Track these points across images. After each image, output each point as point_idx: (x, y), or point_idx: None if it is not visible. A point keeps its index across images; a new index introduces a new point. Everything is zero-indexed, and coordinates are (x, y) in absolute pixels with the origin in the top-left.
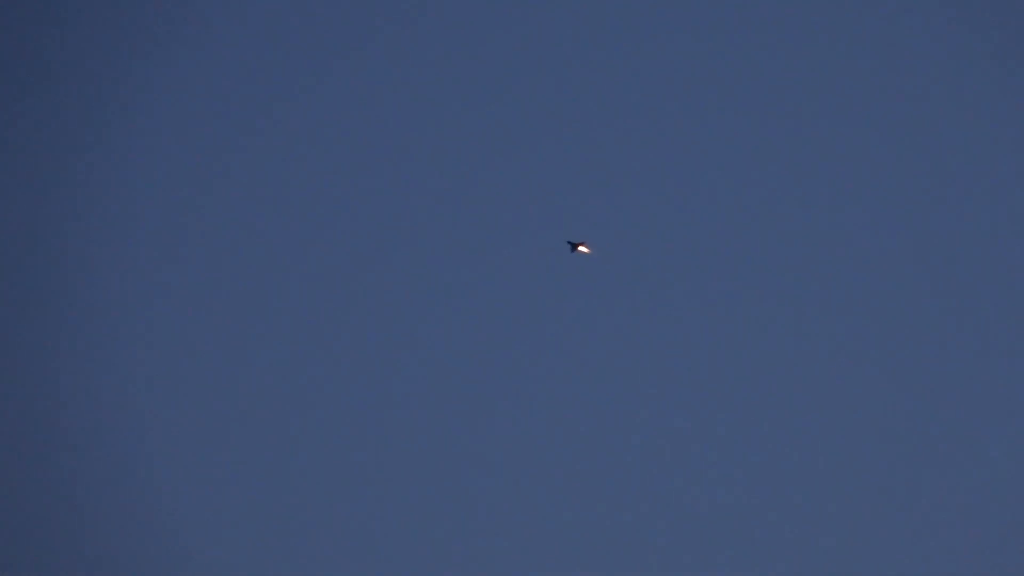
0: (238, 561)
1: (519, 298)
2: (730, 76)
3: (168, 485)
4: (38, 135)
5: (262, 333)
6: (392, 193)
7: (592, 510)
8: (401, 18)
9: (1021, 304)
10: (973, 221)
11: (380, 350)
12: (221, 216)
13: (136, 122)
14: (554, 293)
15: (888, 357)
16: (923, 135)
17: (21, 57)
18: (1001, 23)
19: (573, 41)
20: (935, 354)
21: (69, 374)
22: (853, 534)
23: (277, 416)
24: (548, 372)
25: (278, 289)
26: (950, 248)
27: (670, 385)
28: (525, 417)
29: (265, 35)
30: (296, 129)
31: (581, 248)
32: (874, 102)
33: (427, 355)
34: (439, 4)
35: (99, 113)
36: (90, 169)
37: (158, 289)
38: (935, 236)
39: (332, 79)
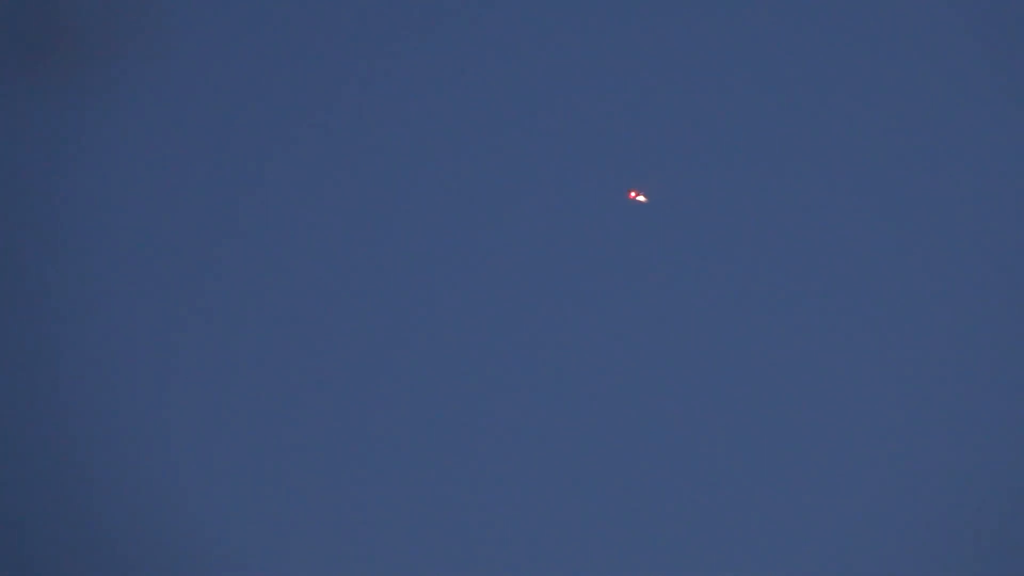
0: (235, 562)
1: (519, 296)
2: (734, 75)
3: (169, 483)
4: (31, 135)
5: (264, 330)
6: (385, 190)
7: (590, 510)
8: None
9: (1021, 304)
10: (973, 221)
11: (382, 351)
12: (214, 214)
13: (131, 120)
14: (555, 290)
15: (890, 357)
16: (923, 134)
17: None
18: (1001, 22)
19: (567, 39)
20: (936, 354)
21: (71, 372)
22: (853, 535)
23: (279, 416)
24: (548, 372)
25: (282, 288)
26: (951, 248)
27: (670, 384)
28: (525, 416)
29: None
30: (290, 124)
31: (639, 197)
32: (874, 101)
33: (425, 352)
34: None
35: (95, 112)
36: (85, 167)
37: (157, 289)
38: (936, 237)
39: (322, 72)
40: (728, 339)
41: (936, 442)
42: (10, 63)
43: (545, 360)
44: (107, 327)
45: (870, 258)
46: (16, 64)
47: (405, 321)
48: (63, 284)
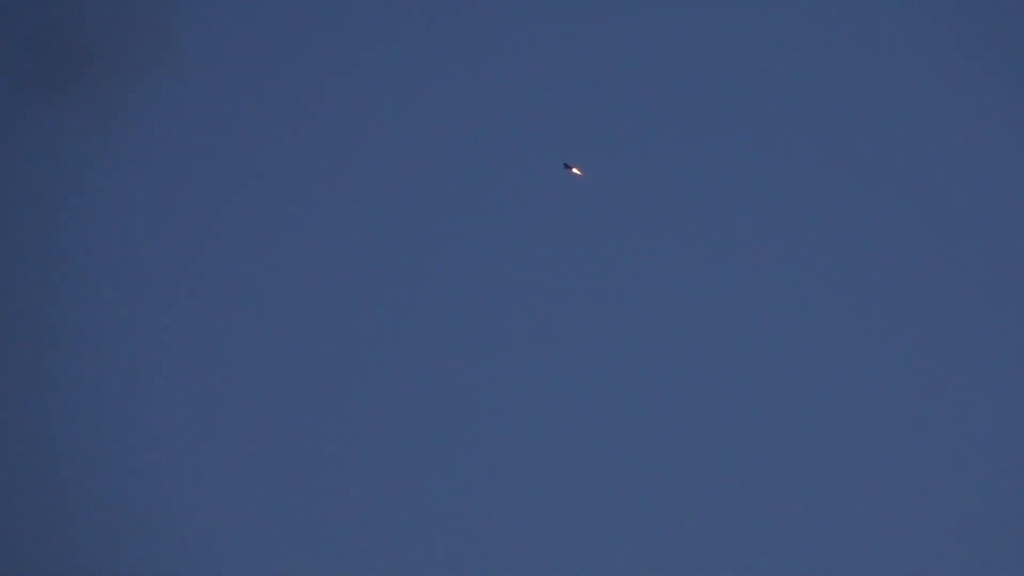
0: (236, 562)
1: (517, 295)
2: (733, 76)
3: (165, 487)
4: (42, 139)
5: (255, 334)
6: (374, 187)
7: (589, 510)
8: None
9: (1021, 303)
10: (974, 221)
11: (377, 351)
12: (208, 221)
13: (135, 124)
14: (554, 288)
15: (890, 355)
16: (924, 134)
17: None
18: (1001, 22)
19: (561, 38)
20: (936, 353)
21: (69, 379)
22: (853, 535)
23: (277, 416)
24: (546, 370)
25: (276, 288)
26: (951, 247)
27: (670, 382)
28: (525, 415)
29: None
30: (285, 120)
31: (574, 171)
32: (874, 102)
33: (422, 352)
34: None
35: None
36: (91, 171)
37: (159, 291)
38: (937, 236)
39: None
40: (709, 330)
41: (934, 442)
42: (21, 75)
43: (534, 359)
44: (102, 332)
45: (854, 253)
46: (25, 75)
47: (392, 324)
48: (59, 287)
